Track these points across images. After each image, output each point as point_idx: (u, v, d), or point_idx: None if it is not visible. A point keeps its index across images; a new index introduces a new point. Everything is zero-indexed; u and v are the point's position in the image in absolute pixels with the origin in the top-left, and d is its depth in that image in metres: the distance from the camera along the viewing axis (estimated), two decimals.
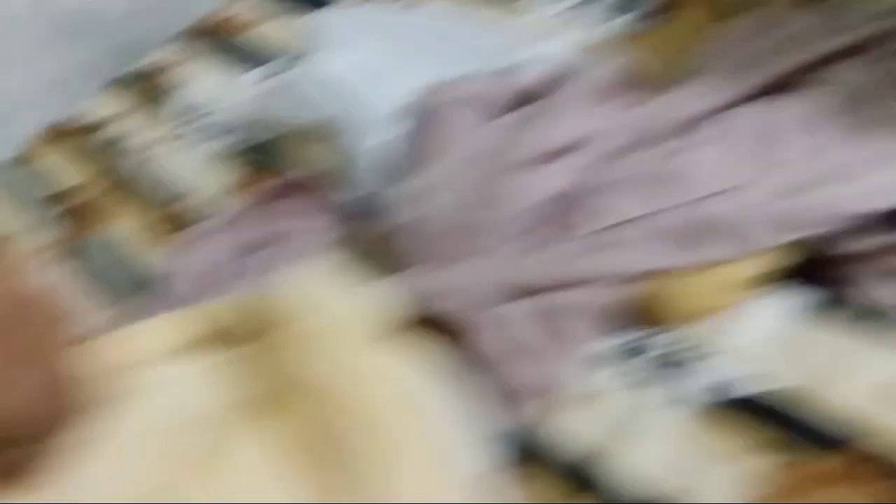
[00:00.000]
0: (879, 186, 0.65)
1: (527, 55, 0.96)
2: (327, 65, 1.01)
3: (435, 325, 0.66)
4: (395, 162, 0.84)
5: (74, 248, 1.03)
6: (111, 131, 1.19)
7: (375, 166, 0.85)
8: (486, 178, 0.73)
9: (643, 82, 0.86)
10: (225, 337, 0.54)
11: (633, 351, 0.70)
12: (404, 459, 0.45)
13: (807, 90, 0.76)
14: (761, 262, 0.68)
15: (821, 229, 0.66)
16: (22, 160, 1.20)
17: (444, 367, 0.61)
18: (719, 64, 0.85)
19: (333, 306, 0.53)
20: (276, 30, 1.30)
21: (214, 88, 1.22)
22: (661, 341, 0.70)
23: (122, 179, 1.11)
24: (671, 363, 0.68)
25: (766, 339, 0.67)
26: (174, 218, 1.02)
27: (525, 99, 0.86)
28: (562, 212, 0.73)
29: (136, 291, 0.92)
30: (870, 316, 0.67)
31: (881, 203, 0.64)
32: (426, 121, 0.81)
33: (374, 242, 0.76)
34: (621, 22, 1.05)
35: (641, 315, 0.71)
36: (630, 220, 0.72)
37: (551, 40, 1.04)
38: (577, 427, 0.66)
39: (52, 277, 0.94)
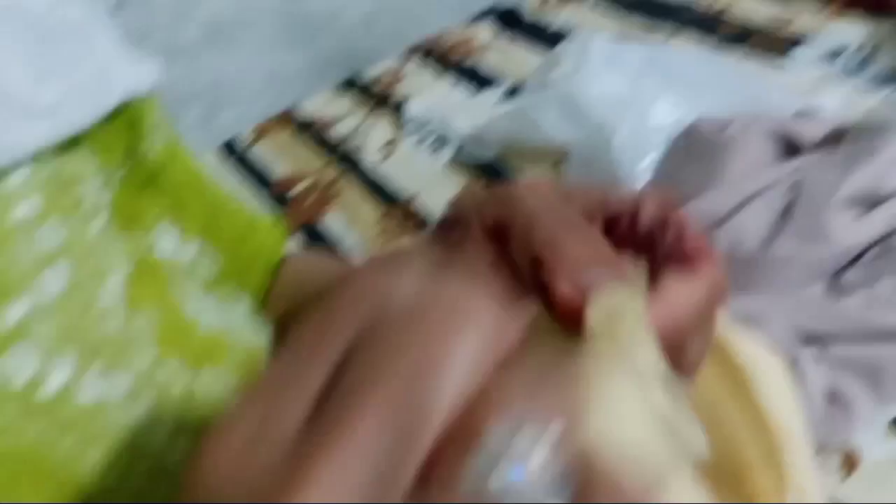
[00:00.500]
0: None
1: (801, 107, 0.90)
2: (576, 90, 0.99)
3: None
4: (668, 185, 0.79)
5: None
6: (340, 129, 1.21)
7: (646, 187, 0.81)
8: (802, 213, 0.66)
9: None
10: None
11: None
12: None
13: None
14: None
15: None
16: (253, 144, 1.24)
17: None
18: None
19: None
20: (508, 55, 1.30)
21: (444, 102, 1.22)
22: None
23: (345, 175, 1.12)
24: None
25: None
26: (401, 217, 1.01)
27: (815, 146, 0.80)
28: (875, 258, 0.66)
29: None
30: None
31: None
32: (719, 147, 0.75)
33: None
34: (887, 92, 1.00)
35: None
36: None
37: (820, 97, 0.99)
38: (885, 489, 0.57)
39: None
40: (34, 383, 0.24)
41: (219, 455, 0.16)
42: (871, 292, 0.65)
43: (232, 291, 0.32)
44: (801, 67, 1.09)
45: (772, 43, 1.16)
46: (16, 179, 0.26)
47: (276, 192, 1.11)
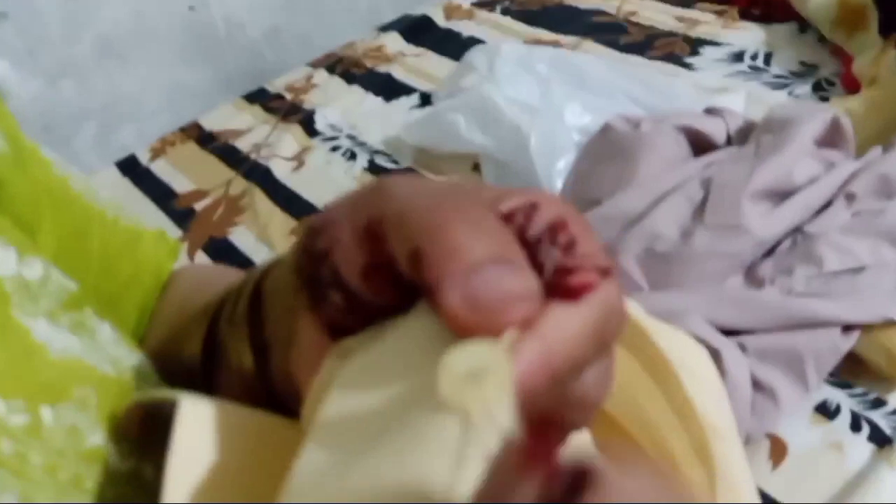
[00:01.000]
0: None
1: (707, 105, 0.92)
2: (489, 95, 0.98)
3: None
4: (581, 185, 0.78)
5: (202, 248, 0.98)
6: (246, 141, 1.16)
7: (563, 188, 0.80)
8: (716, 208, 0.66)
9: (849, 140, 0.80)
10: None
11: (875, 403, 0.61)
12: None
13: None
14: None
15: None
16: (154, 160, 1.17)
17: None
18: None
19: None
20: (419, 64, 1.28)
21: (355, 112, 1.19)
22: None
23: (253, 188, 1.07)
24: None
25: None
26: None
27: (725, 143, 0.81)
28: (788, 250, 0.67)
29: None
30: None
31: None
32: (631, 147, 0.75)
33: None
34: (791, 90, 1.04)
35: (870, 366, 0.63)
36: (864, 267, 0.64)
37: (725, 97, 1.01)
38: (815, 478, 0.57)
39: None
40: None
41: None
42: (786, 282, 0.66)
43: (95, 313, 0.28)
44: (705, 70, 1.11)
45: (675, 48, 1.19)
46: None
47: (181, 207, 1.05)
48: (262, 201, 1.03)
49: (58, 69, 1.23)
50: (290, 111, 1.22)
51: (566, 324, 0.16)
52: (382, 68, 1.29)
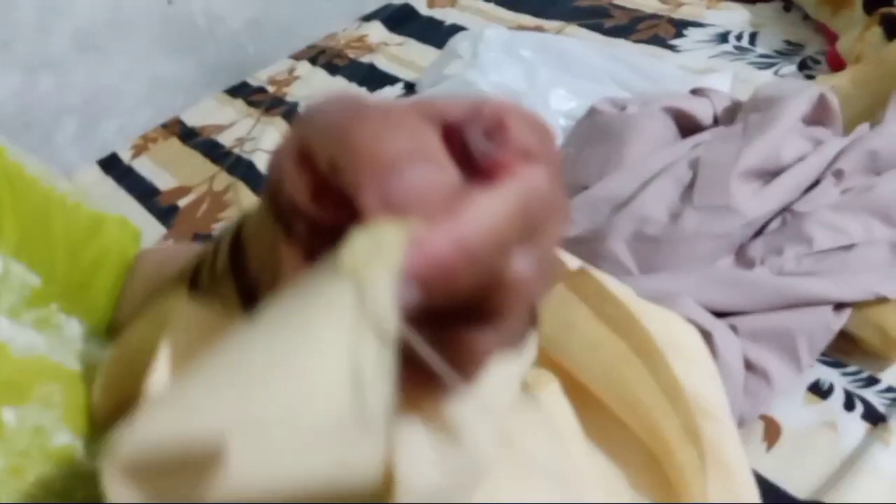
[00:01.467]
0: None
1: (694, 86, 0.91)
2: (474, 80, 0.97)
3: None
4: (569, 170, 0.77)
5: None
6: (230, 135, 1.15)
7: None
8: (705, 188, 0.65)
9: (836, 117, 0.79)
10: None
11: (868, 381, 0.61)
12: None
13: None
14: None
15: None
16: (136, 156, 1.15)
17: None
18: None
19: None
20: (402, 52, 1.27)
21: None
22: (894, 374, 0.62)
23: (237, 182, 1.05)
24: None
25: None
26: None
27: (712, 123, 0.80)
28: (777, 229, 0.66)
29: None
30: None
31: None
32: (619, 129, 0.74)
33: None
34: (777, 69, 1.03)
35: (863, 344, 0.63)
36: (855, 245, 0.64)
37: (711, 77, 1.00)
38: (809, 457, 0.57)
39: None
40: None
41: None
42: (777, 262, 0.65)
43: (61, 309, 0.27)
44: (691, 51, 1.10)
45: (660, 30, 1.18)
46: None
47: (165, 204, 1.03)
48: (246, 196, 1.02)
49: (35, 63, 1.21)
50: (273, 104, 1.20)
51: (481, 207, 0.17)
52: (365, 58, 1.27)
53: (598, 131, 0.77)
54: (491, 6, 1.36)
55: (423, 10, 1.39)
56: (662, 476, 0.34)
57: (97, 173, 1.13)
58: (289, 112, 1.17)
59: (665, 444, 0.34)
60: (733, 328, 0.61)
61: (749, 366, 0.59)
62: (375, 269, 0.16)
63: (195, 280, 0.30)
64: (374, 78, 1.22)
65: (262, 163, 1.07)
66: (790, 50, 1.08)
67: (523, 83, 0.96)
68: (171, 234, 0.98)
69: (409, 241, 0.16)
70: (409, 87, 1.17)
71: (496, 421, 0.28)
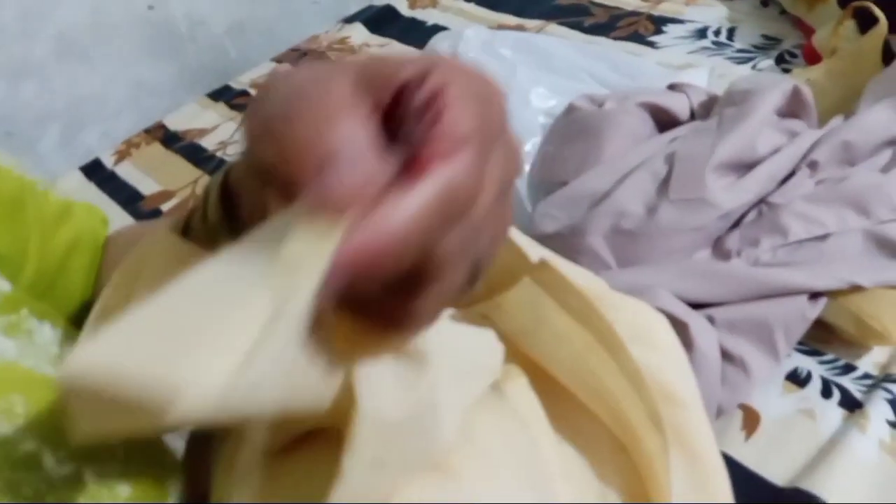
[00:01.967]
0: None
1: (672, 81, 0.92)
2: None
3: None
4: (548, 167, 0.78)
5: None
6: (213, 139, 1.15)
7: (530, 171, 0.79)
8: (680, 181, 0.66)
9: (810, 109, 0.80)
10: None
11: (845, 368, 0.62)
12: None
13: None
14: None
15: None
16: (119, 162, 1.15)
17: None
18: (889, 96, 0.79)
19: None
20: (385, 54, 1.27)
21: None
22: (871, 361, 0.63)
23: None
24: (884, 384, 0.59)
25: None
26: None
27: (689, 118, 0.81)
28: (753, 221, 0.67)
29: None
30: None
31: None
32: (596, 125, 0.75)
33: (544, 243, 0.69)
34: (755, 64, 1.04)
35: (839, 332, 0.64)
36: (829, 234, 0.65)
37: (690, 73, 1.01)
38: (788, 445, 0.57)
39: None
40: None
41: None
42: (752, 253, 0.66)
43: (32, 314, 0.27)
44: (670, 47, 1.11)
45: (639, 27, 1.18)
46: None
47: (148, 209, 1.03)
48: None
49: (17, 70, 1.21)
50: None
51: (400, 206, 0.18)
52: (349, 60, 1.27)
53: (576, 128, 0.78)
54: (472, 6, 1.36)
55: (405, 10, 1.39)
56: (630, 464, 0.35)
57: (80, 179, 1.13)
58: None
59: (632, 433, 0.34)
60: (710, 319, 0.61)
61: (727, 356, 0.59)
62: (307, 268, 0.17)
63: (185, 233, 0.31)
64: None
65: None
66: (768, 44, 1.09)
67: (503, 82, 0.96)
68: None
69: (339, 238, 0.18)
70: None
71: (464, 402, 0.29)
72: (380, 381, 0.22)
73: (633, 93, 0.79)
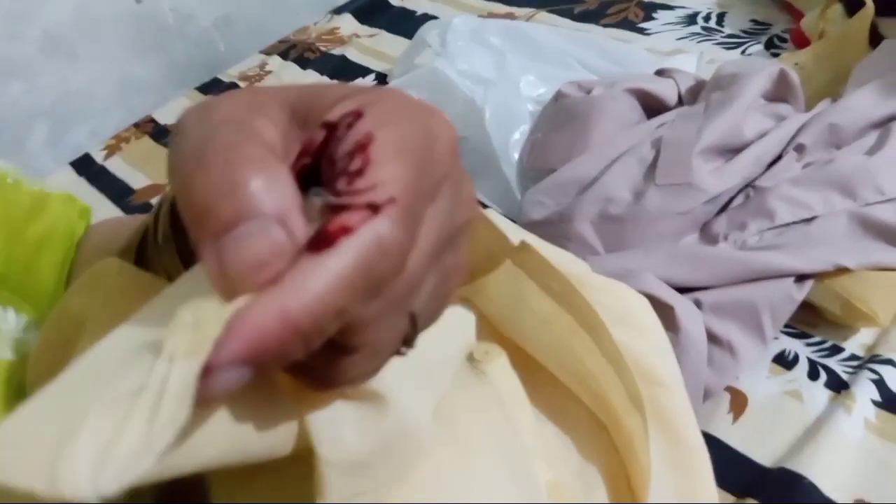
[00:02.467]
0: None
1: (660, 67, 0.92)
2: (443, 69, 0.97)
3: None
4: (537, 155, 0.78)
5: None
6: None
7: (519, 159, 0.80)
8: (667, 166, 0.66)
9: (797, 92, 0.80)
10: None
11: (832, 350, 0.62)
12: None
13: None
14: None
15: None
16: (108, 157, 1.15)
17: None
18: (876, 79, 0.79)
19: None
20: (374, 44, 1.27)
21: None
22: (857, 342, 0.63)
23: None
24: (870, 365, 0.60)
25: None
26: None
27: (676, 103, 0.81)
28: (740, 205, 0.67)
29: None
30: None
31: None
32: (584, 112, 0.75)
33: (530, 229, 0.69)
34: (744, 49, 1.04)
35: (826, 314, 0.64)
36: (816, 217, 0.65)
37: (679, 59, 1.01)
38: (775, 427, 0.58)
39: None
40: None
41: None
42: (739, 237, 0.66)
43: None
44: (659, 34, 1.11)
45: (629, 14, 1.18)
46: None
47: (138, 203, 1.03)
48: None
49: (4, 69, 1.20)
50: None
51: (310, 278, 0.16)
52: (337, 51, 1.27)
53: (564, 115, 0.78)
54: None
55: (395, 0, 1.39)
56: (610, 443, 0.35)
57: (70, 175, 1.13)
58: None
59: (613, 413, 0.35)
60: (697, 303, 0.61)
61: (713, 339, 0.60)
62: (188, 352, 0.16)
63: (142, 249, 0.31)
64: (345, 70, 1.22)
65: None
66: (757, 29, 1.09)
67: (492, 70, 0.96)
68: None
69: (231, 321, 0.16)
70: (381, 79, 1.17)
71: (438, 390, 0.29)
72: (337, 423, 0.21)
73: (621, 79, 0.78)
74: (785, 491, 0.53)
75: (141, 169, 1.11)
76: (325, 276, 0.16)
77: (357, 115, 0.18)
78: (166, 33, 1.34)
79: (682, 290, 0.63)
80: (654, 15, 1.16)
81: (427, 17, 1.29)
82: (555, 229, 0.71)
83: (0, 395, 0.24)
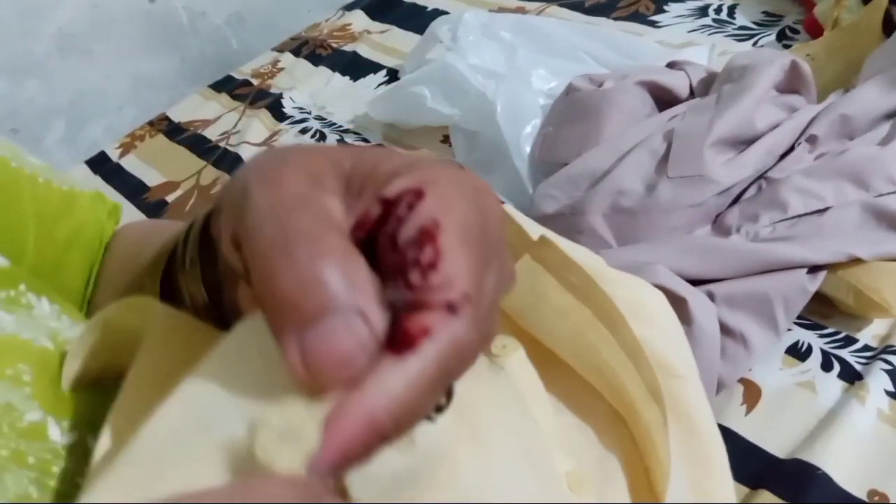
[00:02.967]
0: None
1: (672, 60, 0.92)
2: (454, 64, 0.97)
3: None
4: (548, 149, 0.78)
5: None
6: (216, 129, 1.16)
7: (530, 152, 0.80)
8: (678, 158, 0.66)
9: (809, 84, 0.80)
10: None
11: (845, 341, 0.62)
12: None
13: None
14: None
15: None
16: (123, 154, 1.16)
17: None
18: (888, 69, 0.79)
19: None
20: (385, 40, 1.27)
21: (324, 92, 1.18)
22: (871, 333, 0.63)
23: (224, 176, 1.06)
24: (883, 355, 0.60)
25: None
26: None
27: (688, 96, 0.81)
28: (752, 197, 0.67)
29: None
30: None
31: None
32: (596, 105, 0.75)
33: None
34: (756, 41, 1.04)
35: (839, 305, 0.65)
36: (829, 208, 0.65)
37: (690, 51, 1.01)
38: (789, 418, 0.58)
39: None
40: None
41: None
42: (752, 229, 0.66)
43: (30, 289, 0.28)
44: (671, 26, 1.11)
45: (640, 6, 1.18)
46: None
47: (153, 200, 1.04)
48: None
49: (20, 67, 1.22)
50: (258, 97, 1.21)
51: (393, 382, 0.16)
52: (348, 47, 1.28)
53: (575, 108, 0.78)
54: None
55: None
56: (628, 435, 0.36)
57: (86, 173, 1.14)
58: (273, 104, 1.17)
59: (631, 404, 0.35)
60: (710, 295, 0.62)
61: (726, 331, 0.60)
62: (289, 464, 0.16)
63: (170, 267, 0.31)
64: (357, 66, 1.22)
65: (248, 155, 1.08)
66: (769, 21, 1.08)
67: (503, 64, 0.96)
68: None
69: (325, 430, 0.16)
70: (393, 75, 1.18)
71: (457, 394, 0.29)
72: (368, 469, 0.20)
73: (633, 72, 0.79)
74: (798, 482, 0.54)
75: (155, 166, 1.12)
76: (408, 379, 0.16)
77: (418, 194, 0.18)
78: (179, 31, 1.35)
79: (695, 282, 0.63)
80: (666, 7, 1.16)
81: (438, 13, 1.29)
82: (567, 222, 0.72)
83: (44, 383, 0.25)
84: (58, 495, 0.23)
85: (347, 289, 0.17)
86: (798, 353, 0.63)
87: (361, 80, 1.19)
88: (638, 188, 0.67)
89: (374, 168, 0.19)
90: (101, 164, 1.15)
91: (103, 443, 0.21)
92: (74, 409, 0.26)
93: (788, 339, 0.64)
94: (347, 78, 1.20)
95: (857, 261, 0.62)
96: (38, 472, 0.23)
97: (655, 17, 1.14)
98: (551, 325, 0.37)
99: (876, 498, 0.52)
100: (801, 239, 0.65)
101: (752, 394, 0.61)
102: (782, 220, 0.67)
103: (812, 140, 0.72)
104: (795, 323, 0.65)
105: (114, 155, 1.17)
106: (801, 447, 0.56)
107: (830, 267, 0.63)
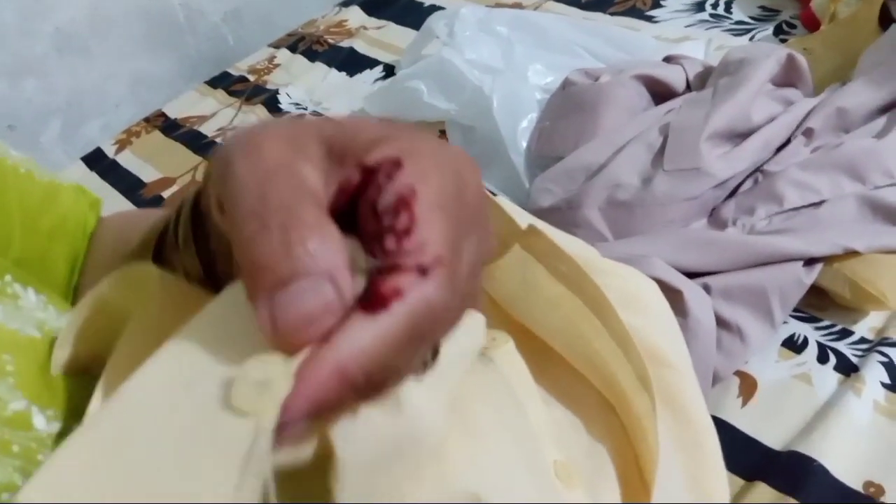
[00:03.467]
0: None
1: (668, 54, 0.92)
2: (451, 59, 0.97)
3: None
4: (545, 143, 0.78)
5: None
6: (212, 125, 1.15)
7: (527, 147, 0.80)
8: (674, 152, 0.66)
9: (806, 77, 0.80)
10: None
11: (841, 334, 0.62)
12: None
13: None
14: None
15: None
16: (119, 151, 1.16)
17: None
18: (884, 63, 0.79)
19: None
20: (382, 35, 1.27)
21: (320, 88, 1.18)
22: (867, 325, 0.63)
23: None
24: (879, 347, 0.60)
25: None
26: None
27: (684, 90, 0.81)
28: (749, 190, 0.67)
29: None
30: None
31: None
32: (592, 99, 0.75)
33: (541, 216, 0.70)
34: (753, 36, 1.03)
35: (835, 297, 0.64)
36: (825, 201, 0.65)
37: (686, 46, 1.00)
38: (785, 411, 0.58)
39: None
40: None
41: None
42: (748, 222, 0.66)
43: (16, 280, 0.28)
44: (667, 21, 1.11)
45: (636, 2, 1.18)
46: None
47: (149, 196, 1.04)
48: None
49: (18, 66, 1.21)
50: (254, 93, 1.21)
51: (361, 337, 0.17)
52: (345, 43, 1.28)
53: (571, 102, 0.78)
54: None
55: None
56: (619, 424, 0.35)
57: (82, 169, 1.14)
58: (269, 99, 1.17)
59: (621, 394, 0.35)
60: (706, 287, 0.62)
61: (723, 323, 0.60)
62: (264, 412, 0.17)
63: (159, 246, 0.31)
64: (354, 62, 1.22)
65: None
66: (766, 16, 1.08)
67: (500, 59, 0.96)
68: None
69: (296, 380, 0.17)
70: (389, 70, 1.18)
71: (451, 389, 0.29)
72: (354, 423, 0.21)
73: (629, 66, 0.79)
74: (795, 474, 0.53)
75: (151, 162, 1.11)
76: (376, 334, 0.17)
77: (396, 164, 0.19)
78: (177, 29, 1.35)
79: (691, 275, 0.63)
80: (663, 3, 1.16)
81: (434, 8, 1.29)
82: (563, 216, 0.72)
83: (30, 372, 0.25)
84: None
85: (317, 255, 0.17)
86: (794, 345, 0.63)
87: (358, 76, 1.19)
88: (634, 182, 0.67)
89: (356, 136, 0.20)
90: (97, 161, 1.15)
91: (97, 399, 0.21)
92: (60, 398, 0.26)
93: (784, 332, 0.64)
94: (344, 73, 1.20)
95: (853, 253, 0.62)
96: (23, 460, 0.23)
97: (652, 13, 1.14)
98: (542, 315, 0.37)
99: (872, 489, 0.52)
100: (798, 232, 0.65)
101: (748, 386, 0.61)
102: (778, 213, 0.66)
103: (808, 133, 0.72)
104: (792, 315, 0.65)
105: (110, 151, 1.17)
106: (797, 439, 0.56)
107: (827, 259, 0.63)
